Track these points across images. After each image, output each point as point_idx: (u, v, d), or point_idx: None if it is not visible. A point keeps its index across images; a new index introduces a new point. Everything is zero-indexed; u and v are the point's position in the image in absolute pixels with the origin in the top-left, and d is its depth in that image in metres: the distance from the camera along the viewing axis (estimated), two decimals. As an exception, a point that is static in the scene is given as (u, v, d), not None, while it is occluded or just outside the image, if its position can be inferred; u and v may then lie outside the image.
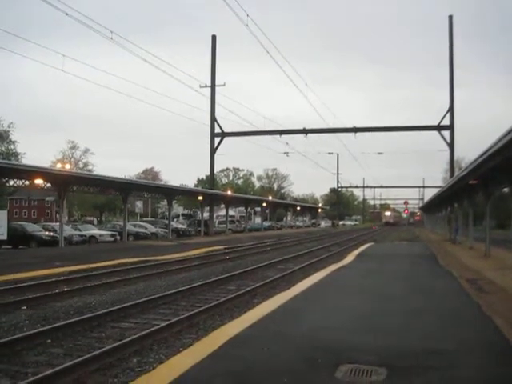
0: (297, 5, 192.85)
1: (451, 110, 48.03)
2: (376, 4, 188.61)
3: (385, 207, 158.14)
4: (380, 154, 72.47)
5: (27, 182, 31.17)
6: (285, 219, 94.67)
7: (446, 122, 48.02)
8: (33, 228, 34.93)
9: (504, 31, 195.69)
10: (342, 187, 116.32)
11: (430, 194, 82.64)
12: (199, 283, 15.67)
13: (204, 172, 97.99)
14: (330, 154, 76.28)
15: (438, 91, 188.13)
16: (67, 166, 50.01)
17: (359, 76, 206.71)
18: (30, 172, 28.59)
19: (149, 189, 46.88)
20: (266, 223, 79.76)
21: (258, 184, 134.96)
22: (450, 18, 49.15)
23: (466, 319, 9.47)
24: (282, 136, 52.61)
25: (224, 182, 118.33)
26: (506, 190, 33.09)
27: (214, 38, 52.74)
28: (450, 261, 23.03)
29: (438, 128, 48.29)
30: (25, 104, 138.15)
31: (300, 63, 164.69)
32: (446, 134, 48.18)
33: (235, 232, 62.24)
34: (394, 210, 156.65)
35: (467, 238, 34.34)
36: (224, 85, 52.88)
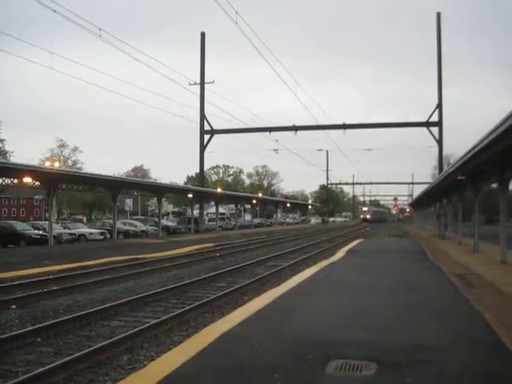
0: (288, 1, 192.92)
1: (439, 106, 48.34)
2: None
3: (374, 203, 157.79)
4: (369, 150, 72.87)
5: (16, 181, 31.04)
6: (275, 216, 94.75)
7: (436, 118, 48.33)
8: (22, 227, 34.75)
9: (500, 28, 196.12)
10: (331, 184, 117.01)
11: (419, 190, 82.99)
12: (189, 281, 15.66)
13: (194, 169, 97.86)
14: (319, 150, 76.40)
15: (433, 88, 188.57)
16: (56, 165, 49.65)
17: (351, 73, 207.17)
18: (18, 170, 28.44)
19: (138, 187, 46.77)
20: (256, 220, 79.78)
21: (247, 181, 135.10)
22: (438, 14, 49.49)
23: (455, 314, 9.53)
24: (272, 133, 52.67)
25: (214, 180, 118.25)
26: (494, 185, 33.33)
27: (203, 35, 52.73)
28: (440, 256, 23.15)
29: (427, 124, 48.57)
30: (13, 102, 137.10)
31: (291, 60, 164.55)
32: (435, 130, 48.51)
33: (225, 229, 62.25)
34: (376, 205, 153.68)
35: (456, 233, 34.52)
36: (213, 82, 52.99)
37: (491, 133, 14.31)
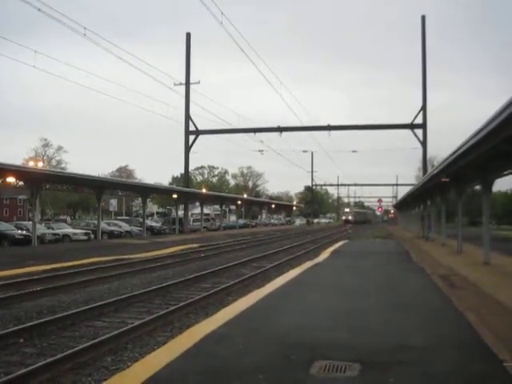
0: (275, 3, 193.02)
1: (424, 108, 48.65)
2: (358, 2, 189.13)
3: (359, 204, 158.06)
4: (354, 152, 73.33)
5: (-1, 180, 30.71)
6: (260, 217, 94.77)
7: (420, 120, 48.65)
8: (5, 227, 34.39)
9: (493, 31, 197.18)
10: (316, 185, 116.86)
11: (403, 191, 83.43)
12: (174, 281, 15.62)
13: (179, 170, 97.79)
14: (304, 152, 76.55)
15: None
16: (40, 164, 49.30)
17: (338, 75, 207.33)
18: (1, 170, 28.16)
19: (123, 187, 46.55)
20: (241, 221, 79.79)
21: (232, 182, 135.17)
22: (423, 18, 49.75)
23: (438, 315, 9.60)
24: (257, 134, 52.72)
25: (199, 180, 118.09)
26: (477, 187, 33.67)
27: (188, 35, 52.57)
28: (423, 257, 23.30)
29: (411, 126, 48.88)
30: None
31: (278, 62, 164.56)
32: (420, 132, 48.85)
33: (210, 230, 62.12)
34: (361, 206, 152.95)
35: (440, 235, 34.77)
36: (199, 82, 52.82)
37: (475, 135, 14.44)
